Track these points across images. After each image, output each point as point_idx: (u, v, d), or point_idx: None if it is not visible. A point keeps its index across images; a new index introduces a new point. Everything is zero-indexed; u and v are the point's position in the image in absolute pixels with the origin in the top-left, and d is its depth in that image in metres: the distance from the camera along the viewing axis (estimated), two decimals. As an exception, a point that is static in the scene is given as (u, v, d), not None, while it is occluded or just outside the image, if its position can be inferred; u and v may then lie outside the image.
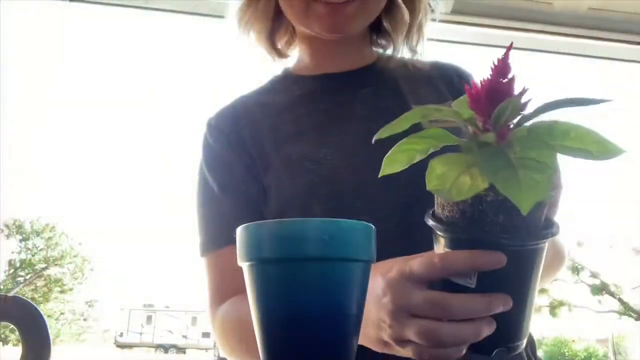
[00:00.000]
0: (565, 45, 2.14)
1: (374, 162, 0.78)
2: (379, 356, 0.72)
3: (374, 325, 0.54)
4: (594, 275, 16.29)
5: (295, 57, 0.93)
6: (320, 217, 0.74)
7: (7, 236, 19.14)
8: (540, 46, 2.17)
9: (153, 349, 24.41)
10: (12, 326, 0.54)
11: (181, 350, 24.39)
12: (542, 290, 16.26)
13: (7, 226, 19.12)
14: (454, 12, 1.98)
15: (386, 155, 0.50)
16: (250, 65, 0.94)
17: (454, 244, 0.48)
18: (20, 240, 19.18)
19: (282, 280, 0.44)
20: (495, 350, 0.49)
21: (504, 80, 0.46)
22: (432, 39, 2.23)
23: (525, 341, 0.51)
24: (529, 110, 0.47)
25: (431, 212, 0.51)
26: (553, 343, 17.14)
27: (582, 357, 16.52)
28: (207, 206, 0.82)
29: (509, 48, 0.47)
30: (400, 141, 0.49)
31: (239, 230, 0.47)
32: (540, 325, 17.48)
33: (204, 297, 0.80)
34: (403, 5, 0.88)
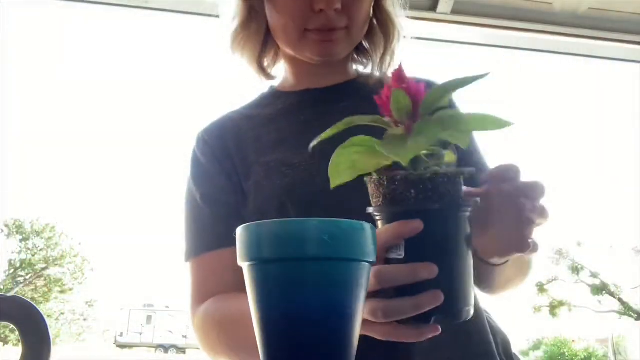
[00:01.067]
0: (565, 45, 2.14)
1: None
2: (379, 355, 0.72)
3: None
4: (594, 275, 16.31)
5: (279, 75, 0.99)
6: (295, 216, 0.79)
7: (7, 236, 19.14)
8: (540, 46, 2.17)
9: (153, 349, 24.42)
10: (12, 326, 0.54)
11: (181, 350, 24.40)
12: (542, 290, 16.29)
13: (7, 226, 19.13)
14: (454, 12, 1.98)
15: (329, 168, 0.56)
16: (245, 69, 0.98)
17: (384, 222, 0.55)
18: (20, 240, 19.18)
19: (282, 280, 0.44)
20: (433, 318, 0.52)
21: (403, 85, 0.54)
22: (432, 39, 2.23)
23: (470, 309, 0.54)
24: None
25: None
26: (553, 343, 17.15)
27: (582, 357, 16.53)
28: (191, 215, 0.88)
29: (401, 63, 0.56)
30: (334, 153, 0.56)
31: (239, 230, 0.47)
32: (540, 325, 17.49)
33: (187, 300, 0.85)
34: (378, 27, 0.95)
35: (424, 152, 0.53)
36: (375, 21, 0.93)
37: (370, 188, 0.55)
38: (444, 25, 2.01)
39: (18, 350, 0.54)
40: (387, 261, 0.54)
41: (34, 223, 19.44)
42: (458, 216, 0.53)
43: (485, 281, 0.75)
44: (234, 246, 0.79)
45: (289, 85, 0.96)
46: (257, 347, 0.66)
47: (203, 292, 0.83)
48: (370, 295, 0.51)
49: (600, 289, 16.11)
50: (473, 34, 2.09)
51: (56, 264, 19.34)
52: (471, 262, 0.54)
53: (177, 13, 1.95)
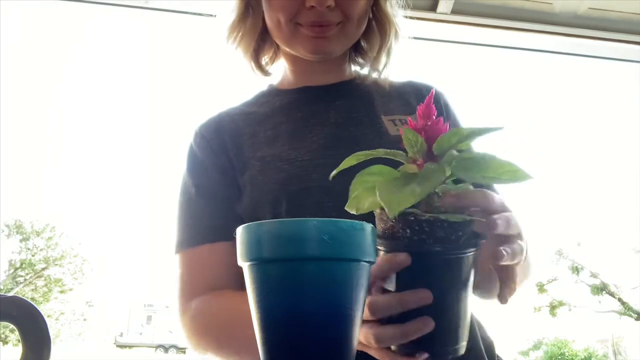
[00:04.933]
0: (565, 45, 2.14)
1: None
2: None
3: None
4: (594, 275, 16.30)
5: (278, 73, 1.00)
6: (288, 211, 0.79)
7: (7, 236, 19.14)
8: (540, 46, 2.17)
9: (153, 349, 24.42)
10: (12, 326, 0.53)
11: (181, 350, 24.39)
12: (542, 290, 16.29)
13: (7, 226, 19.13)
14: (454, 12, 1.98)
15: (350, 197, 0.57)
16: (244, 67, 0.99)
17: (383, 254, 0.55)
18: (20, 240, 19.17)
19: (282, 280, 0.44)
20: (418, 353, 0.53)
21: (429, 123, 0.53)
22: (432, 39, 2.23)
23: (460, 347, 0.54)
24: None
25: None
26: (553, 343, 17.14)
27: (582, 357, 16.52)
28: (184, 208, 0.88)
29: (431, 95, 0.55)
30: (353, 181, 0.57)
31: (239, 230, 0.47)
32: (540, 325, 17.49)
33: (173, 292, 0.84)
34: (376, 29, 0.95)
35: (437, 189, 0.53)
36: (373, 21, 0.93)
37: (377, 220, 0.56)
38: (444, 25, 2.01)
39: (18, 350, 0.54)
40: (384, 292, 0.54)
41: (34, 223, 19.43)
42: (453, 259, 0.53)
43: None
44: (229, 240, 0.80)
45: (287, 83, 0.97)
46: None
47: (194, 286, 0.82)
48: (365, 322, 0.53)
49: (600, 289, 16.11)
50: (473, 34, 2.09)
51: (56, 264, 19.33)
52: (468, 301, 0.54)
53: (177, 13, 1.95)
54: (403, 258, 0.52)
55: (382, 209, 0.54)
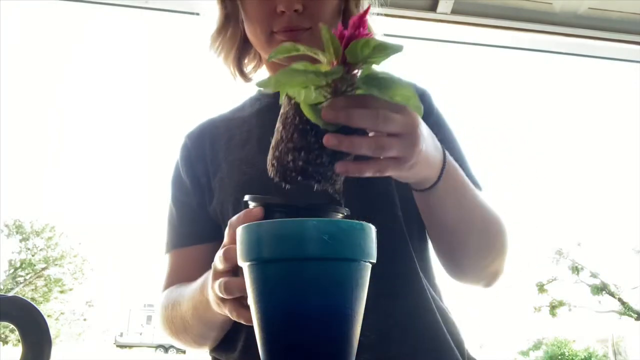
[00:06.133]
0: (565, 45, 2.14)
1: None
2: (379, 355, 0.72)
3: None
4: (594, 275, 16.30)
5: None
6: None
7: (7, 236, 19.14)
8: (540, 46, 2.17)
9: (153, 349, 24.41)
10: (12, 326, 0.53)
11: (181, 350, 24.39)
12: (542, 290, 16.29)
13: (7, 226, 19.13)
14: (454, 12, 1.98)
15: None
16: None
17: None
18: (20, 240, 19.18)
19: (282, 280, 0.44)
20: None
21: (355, 33, 0.54)
22: (432, 39, 2.23)
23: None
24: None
25: None
26: (553, 343, 17.14)
27: (582, 357, 16.51)
28: (168, 215, 0.96)
29: (367, 10, 0.55)
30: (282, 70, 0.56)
31: (239, 230, 0.47)
32: (540, 325, 17.49)
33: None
34: None
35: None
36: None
37: (284, 106, 0.58)
38: (444, 25, 2.01)
39: (18, 350, 0.54)
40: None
41: (33, 223, 19.43)
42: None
43: (429, 220, 0.79)
44: (197, 244, 0.88)
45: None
46: (189, 329, 0.78)
47: (169, 283, 0.91)
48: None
49: (600, 289, 16.11)
50: (473, 34, 2.08)
51: (56, 264, 19.34)
52: None
53: (177, 13, 1.95)
54: (257, 212, 0.58)
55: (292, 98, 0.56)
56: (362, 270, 0.46)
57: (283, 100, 0.57)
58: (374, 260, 0.47)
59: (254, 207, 0.60)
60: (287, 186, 0.56)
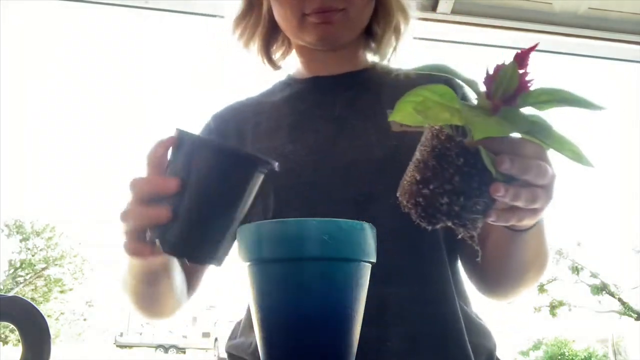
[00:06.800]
0: (565, 45, 2.14)
1: (335, 160, 0.83)
2: (379, 355, 0.72)
3: None
4: (594, 275, 16.29)
5: (294, 64, 0.99)
6: (275, 205, 0.80)
7: (7, 236, 19.13)
8: (540, 46, 2.16)
9: (153, 349, 24.40)
10: (12, 326, 0.53)
11: (181, 350, 24.39)
12: (542, 290, 16.29)
13: (7, 226, 19.12)
14: (454, 12, 1.98)
15: (398, 102, 0.54)
16: (250, 65, 0.98)
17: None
18: (20, 240, 19.16)
19: (282, 280, 0.44)
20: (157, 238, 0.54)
21: (520, 69, 0.51)
22: (432, 39, 2.23)
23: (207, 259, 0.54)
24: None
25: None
26: (553, 343, 17.13)
27: (582, 357, 16.51)
28: None
29: (534, 47, 0.54)
30: (412, 91, 0.53)
31: (239, 230, 0.47)
32: (540, 325, 17.48)
33: None
34: (393, 15, 0.93)
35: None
36: (379, 4, 0.92)
37: (427, 135, 0.53)
38: (444, 25, 2.01)
39: (18, 350, 0.54)
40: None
41: (34, 223, 19.42)
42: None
43: (509, 257, 0.74)
44: None
45: (299, 73, 0.97)
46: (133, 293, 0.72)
47: None
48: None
49: (600, 289, 16.09)
50: (473, 34, 2.08)
51: (56, 264, 19.32)
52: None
53: (177, 13, 1.95)
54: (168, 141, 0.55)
55: (440, 126, 0.52)
56: (362, 270, 0.46)
57: (432, 130, 0.52)
58: (374, 260, 0.47)
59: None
60: (427, 225, 0.52)
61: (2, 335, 17.12)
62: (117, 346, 24.48)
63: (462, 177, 0.50)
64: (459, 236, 0.53)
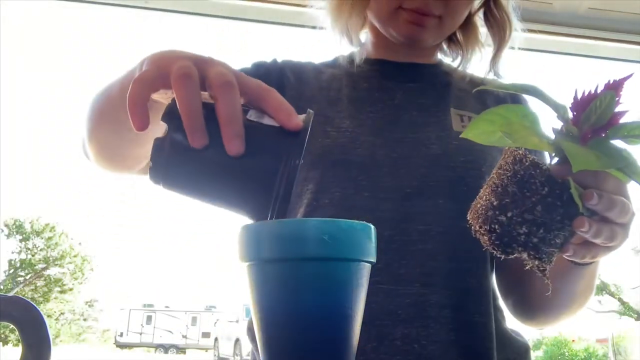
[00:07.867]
0: (565, 45, 2.14)
1: (389, 147, 0.81)
2: (379, 356, 0.72)
3: None
4: (594, 275, 16.27)
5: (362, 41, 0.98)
6: (321, 178, 0.78)
7: (7, 236, 19.15)
8: (540, 46, 2.17)
9: (153, 349, 24.41)
10: (12, 326, 0.53)
11: (181, 350, 24.39)
12: (542, 290, 16.24)
13: (7, 226, 19.14)
14: (454, 12, 1.98)
15: (477, 120, 0.52)
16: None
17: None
18: (20, 240, 19.19)
19: (281, 280, 0.44)
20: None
21: (616, 99, 0.50)
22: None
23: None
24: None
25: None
26: (553, 343, 17.13)
27: (582, 357, 16.50)
28: None
29: (629, 76, 0.52)
30: (498, 107, 0.52)
31: (239, 230, 0.47)
32: (540, 325, 17.47)
33: None
34: (477, 25, 0.93)
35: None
36: (489, 18, 0.92)
37: (507, 159, 0.50)
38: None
39: (18, 350, 0.54)
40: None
41: (34, 223, 19.44)
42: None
43: (561, 288, 0.72)
44: None
45: (367, 53, 0.95)
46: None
47: None
48: None
49: (600, 289, 16.10)
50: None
51: (56, 264, 19.35)
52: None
53: (177, 13, 1.95)
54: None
55: (524, 150, 0.50)
56: (362, 270, 0.46)
57: (514, 154, 0.50)
58: (374, 260, 0.47)
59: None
60: (500, 254, 0.50)
61: (2, 335, 17.13)
62: (117, 346, 24.48)
63: (546, 208, 0.47)
64: (527, 267, 0.51)
